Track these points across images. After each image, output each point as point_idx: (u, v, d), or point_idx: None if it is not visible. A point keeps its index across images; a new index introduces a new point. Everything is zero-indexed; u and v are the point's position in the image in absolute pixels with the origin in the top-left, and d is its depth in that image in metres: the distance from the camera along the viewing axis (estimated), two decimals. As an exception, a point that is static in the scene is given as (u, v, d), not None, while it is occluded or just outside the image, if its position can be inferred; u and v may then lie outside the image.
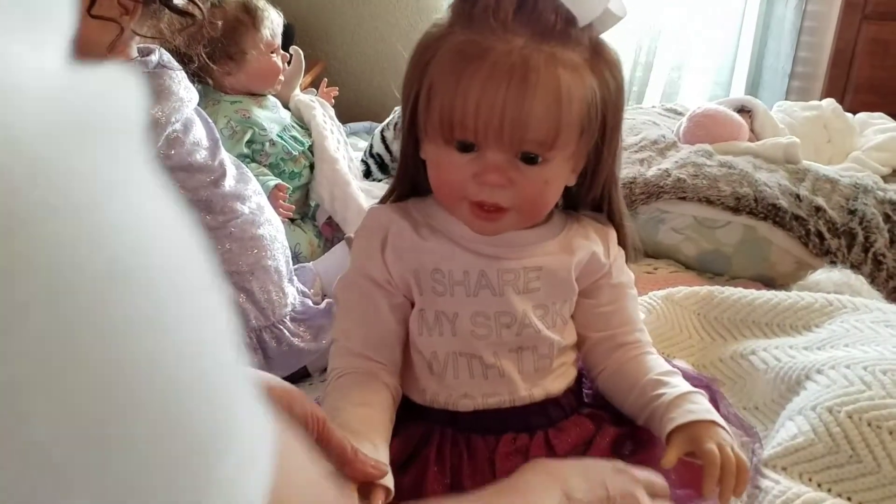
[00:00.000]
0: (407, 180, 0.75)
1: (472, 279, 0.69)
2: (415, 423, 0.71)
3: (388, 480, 0.59)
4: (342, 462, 0.56)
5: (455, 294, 0.69)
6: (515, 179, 0.64)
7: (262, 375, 0.54)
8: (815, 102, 2.05)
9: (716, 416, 0.65)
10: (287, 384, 0.55)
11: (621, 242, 0.77)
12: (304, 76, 1.85)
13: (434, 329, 0.70)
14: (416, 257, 0.70)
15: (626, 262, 0.78)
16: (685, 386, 0.69)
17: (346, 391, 0.67)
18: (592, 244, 0.73)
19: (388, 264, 0.71)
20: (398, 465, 0.68)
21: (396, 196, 0.76)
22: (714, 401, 0.72)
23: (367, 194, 1.54)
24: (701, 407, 0.66)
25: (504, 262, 0.69)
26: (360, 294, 0.72)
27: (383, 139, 1.84)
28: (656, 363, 0.73)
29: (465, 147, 0.64)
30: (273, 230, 1.16)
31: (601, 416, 0.73)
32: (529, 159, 0.63)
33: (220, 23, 1.19)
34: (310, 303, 1.17)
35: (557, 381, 0.73)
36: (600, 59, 0.66)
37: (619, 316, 0.75)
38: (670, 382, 0.69)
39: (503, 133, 0.61)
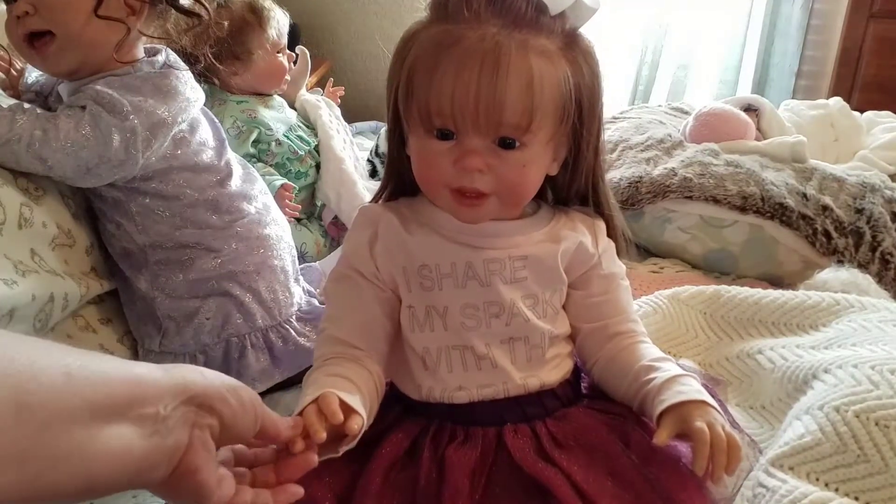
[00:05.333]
0: (395, 177, 0.78)
1: (459, 271, 0.70)
2: (413, 420, 0.72)
3: (361, 409, 0.61)
4: (276, 439, 0.58)
5: (444, 287, 0.71)
6: (494, 165, 0.66)
7: (217, 377, 0.54)
8: (822, 101, 2.04)
9: (706, 397, 0.65)
10: (239, 385, 0.55)
11: (611, 234, 0.78)
12: (309, 76, 1.86)
13: (425, 325, 0.71)
14: (403, 253, 0.72)
15: (619, 254, 0.79)
16: (676, 370, 0.69)
17: (325, 368, 0.68)
18: (579, 235, 0.74)
19: (376, 261, 0.73)
20: (398, 460, 0.69)
21: (387, 195, 0.79)
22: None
23: (372, 194, 1.53)
24: (691, 388, 0.66)
25: (489, 251, 0.71)
26: (348, 285, 0.74)
27: (389, 139, 1.84)
28: (649, 351, 0.74)
29: (445, 135, 0.66)
30: (279, 230, 1.16)
31: (599, 408, 0.74)
32: (507, 144, 0.66)
33: (226, 23, 1.19)
34: (316, 302, 1.18)
35: (553, 373, 0.73)
36: (574, 47, 0.68)
37: (611, 306, 0.76)
38: (662, 367, 0.70)
39: (478, 117, 0.63)
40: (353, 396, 0.62)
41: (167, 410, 0.48)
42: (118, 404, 0.45)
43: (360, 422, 0.60)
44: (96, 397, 0.44)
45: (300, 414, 0.60)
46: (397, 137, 0.74)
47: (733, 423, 0.73)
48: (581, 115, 0.69)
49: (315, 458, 0.58)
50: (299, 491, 0.57)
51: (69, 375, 0.43)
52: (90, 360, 0.45)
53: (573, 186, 0.76)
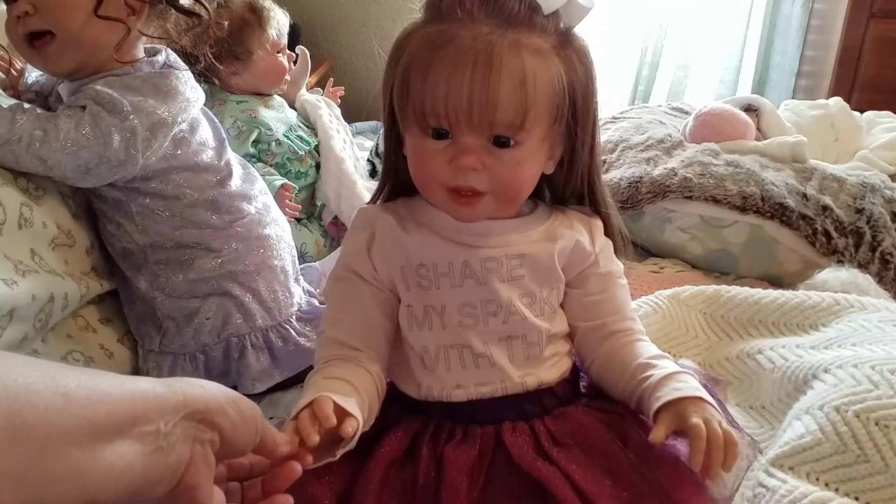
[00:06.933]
0: (392, 177, 0.78)
1: (456, 269, 0.71)
2: (413, 418, 0.72)
3: (356, 412, 0.61)
4: (273, 454, 0.57)
5: (441, 286, 0.71)
6: (489, 163, 0.66)
7: (218, 389, 0.53)
8: (822, 101, 2.04)
9: (703, 393, 0.65)
10: (239, 397, 0.55)
11: (608, 232, 0.78)
12: (309, 76, 1.85)
13: (423, 324, 0.72)
14: (401, 253, 0.72)
15: (616, 252, 0.79)
16: (673, 367, 0.69)
17: (324, 371, 0.68)
18: (576, 233, 0.75)
19: (374, 262, 0.73)
20: (397, 459, 0.69)
21: (385, 196, 0.79)
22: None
23: (372, 194, 1.54)
24: (688, 385, 0.66)
25: (485, 250, 0.71)
26: (347, 286, 0.74)
27: (389, 139, 1.83)
28: (646, 349, 0.74)
29: (440, 134, 0.66)
30: (279, 230, 1.16)
31: (598, 407, 0.74)
32: (501, 143, 0.66)
33: (226, 23, 1.19)
34: (316, 302, 1.18)
35: (551, 371, 0.74)
36: (568, 46, 0.68)
37: (609, 305, 0.76)
38: (658, 364, 0.70)
39: (472, 116, 0.64)
40: (349, 399, 0.62)
41: (168, 427, 0.48)
42: (119, 422, 0.45)
43: (355, 424, 0.60)
44: (96, 416, 0.43)
45: (295, 418, 0.60)
46: (394, 137, 0.74)
47: (732, 422, 0.73)
48: (575, 114, 0.69)
49: (299, 469, 0.57)
50: (288, 501, 0.57)
51: (67, 396, 0.42)
52: (89, 378, 0.45)
53: (569, 185, 0.76)
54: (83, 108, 0.93)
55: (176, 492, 0.49)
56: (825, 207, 1.35)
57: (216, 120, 1.15)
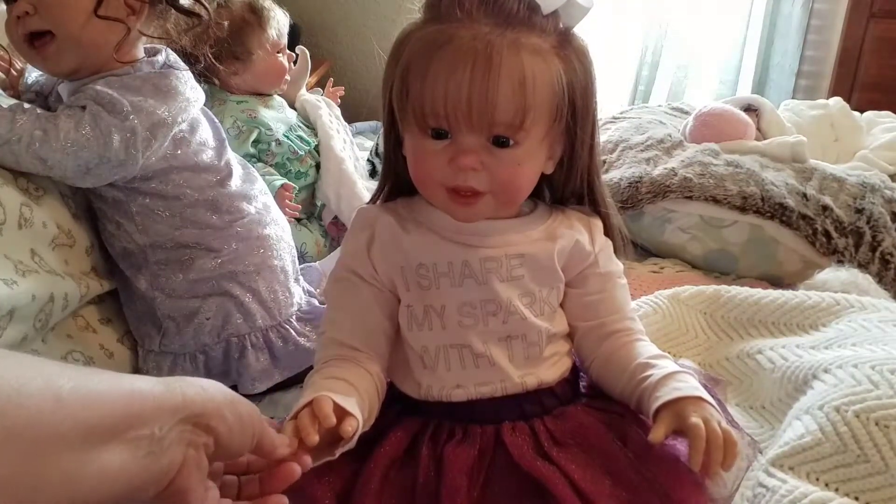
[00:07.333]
0: (392, 177, 0.78)
1: (455, 269, 0.71)
2: (412, 418, 0.72)
3: (356, 411, 0.61)
4: (271, 455, 0.57)
5: (441, 286, 0.71)
6: (488, 163, 0.66)
7: (217, 391, 0.53)
8: (822, 101, 2.05)
9: (703, 393, 0.65)
10: (238, 399, 0.54)
11: (608, 232, 0.78)
12: (309, 76, 1.86)
13: (423, 324, 0.72)
14: (400, 253, 0.72)
15: (616, 252, 0.79)
16: (673, 367, 0.69)
17: (324, 371, 0.68)
18: (576, 233, 0.75)
19: (374, 262, 0.73)
20: (397, 458, 0.69)
21: (385, 196, 0.79)
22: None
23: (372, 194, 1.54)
24: (688, 384, 0.66)
25: (485, 250, 0.71)
26: (347, 287, 0.74)
27: (389, 139, 1.83)
28: (646, 348, 0.74)
29: (439, 134, 0.66)
30: (279, 230, 1.16)
31: (598, 406, 0.74)
32: (501, 142, 0.66)
33: (226, 23, 1.19)
34: (316, 302, 1.18)
35: (551, 371, 0.73)
36: (567, 46, 0.68)
37: (608, 304, 0.76)
38: (658, 364, 0.70)
39: (471, 116, 0.64)
40: (349, 399, 0.62)
41: (163, 431, 0.47)
42: (113, 425, 0.44)
43: (355, 424, 0.60)
44: (90, 419, 0.43)
45: (294, 417, 0.60)
46: (393, 137, 0.74)
47: (732, 422, 0.73)
48: (575, 114, 0.69)
49: (298, 471, 0.57)
50: (283, 502, 0.57)
51: (59, 399, 0.42)
52: (86, 378, 0.44)
53: (569, 185, 0.76)
54: (83, 108, 0.93)
55: (166, 494, 0.49)
56: (825, 207, 1.36)
57: (216, 120, 1.15)
